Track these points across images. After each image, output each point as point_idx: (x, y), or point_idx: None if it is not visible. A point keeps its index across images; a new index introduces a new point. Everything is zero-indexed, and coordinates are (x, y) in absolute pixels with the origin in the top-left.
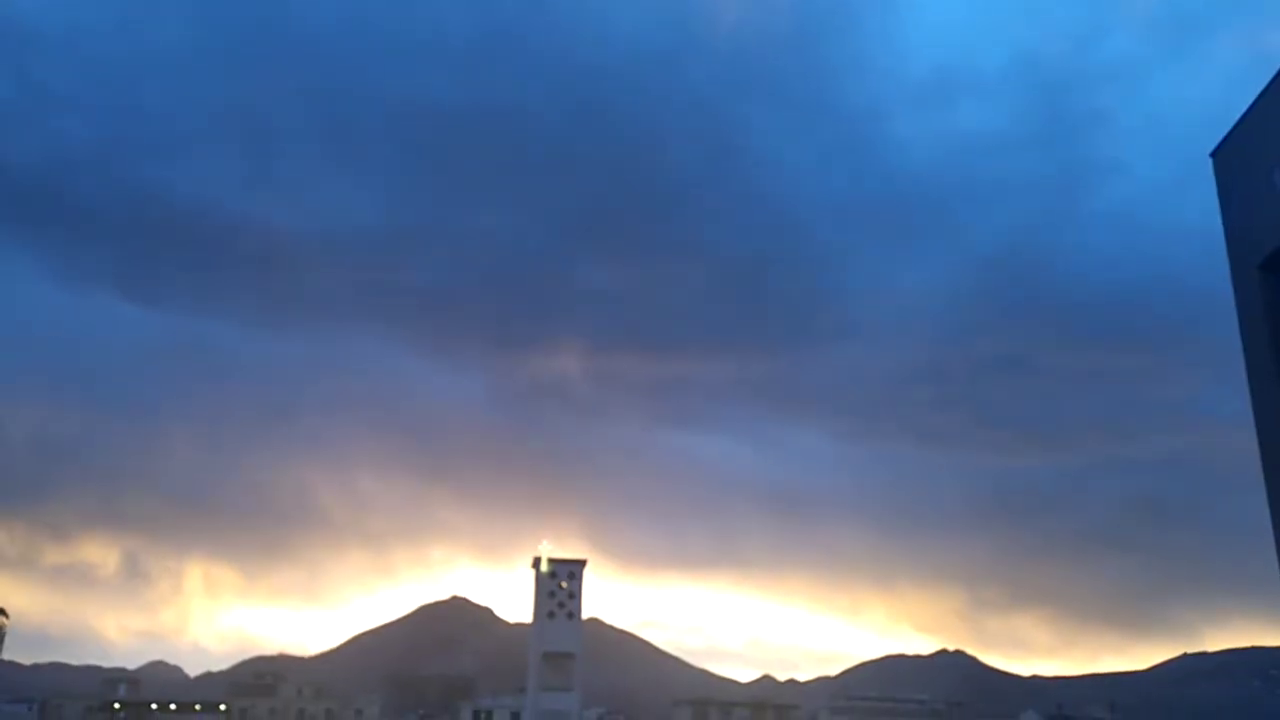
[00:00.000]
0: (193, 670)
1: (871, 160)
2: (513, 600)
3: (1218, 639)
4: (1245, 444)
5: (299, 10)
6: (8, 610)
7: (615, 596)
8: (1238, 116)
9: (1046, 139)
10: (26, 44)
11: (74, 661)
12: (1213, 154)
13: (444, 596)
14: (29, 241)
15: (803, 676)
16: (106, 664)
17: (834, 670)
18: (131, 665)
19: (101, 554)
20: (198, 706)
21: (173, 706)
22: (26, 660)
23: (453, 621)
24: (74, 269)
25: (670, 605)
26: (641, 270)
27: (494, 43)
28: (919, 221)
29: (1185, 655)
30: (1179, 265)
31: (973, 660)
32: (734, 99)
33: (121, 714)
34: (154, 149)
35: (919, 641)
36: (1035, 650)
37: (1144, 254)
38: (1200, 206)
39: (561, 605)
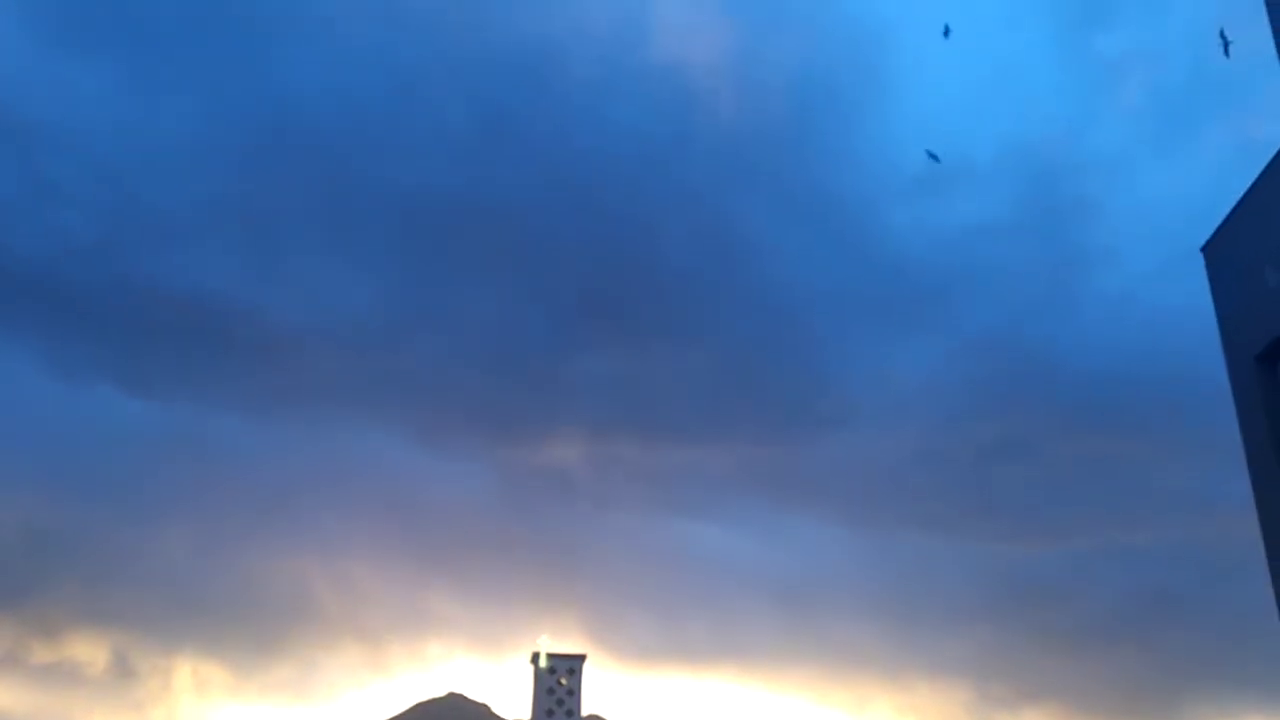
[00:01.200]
0: None
1: (867, 248)
2: (511, 696)
3: None
4: (1253, 531)
5: (299, 103)
6: None
7: (616, 692)
8: (1225, 207)
9: (1039, 227)
10: (32, 140)
11: None
12: (1203, 249)
13: (440, 693)
14: (27, 334)
15: None
16: None
17: None
18: None
19: (90, 651)
20: None
21: None
22: None
23: (449, 719)
24: (71, 361)
25: (672, 700)
26: (641, 358)
27: (494, 135)
28: (916, 307)
29: None
30: (1175, 351)
31: None
32: (730, 189)
33: None
34: (154, 241)
35: None
36: None
37: (1140, 340)
38: (1193, 294)
39: (561, 703)
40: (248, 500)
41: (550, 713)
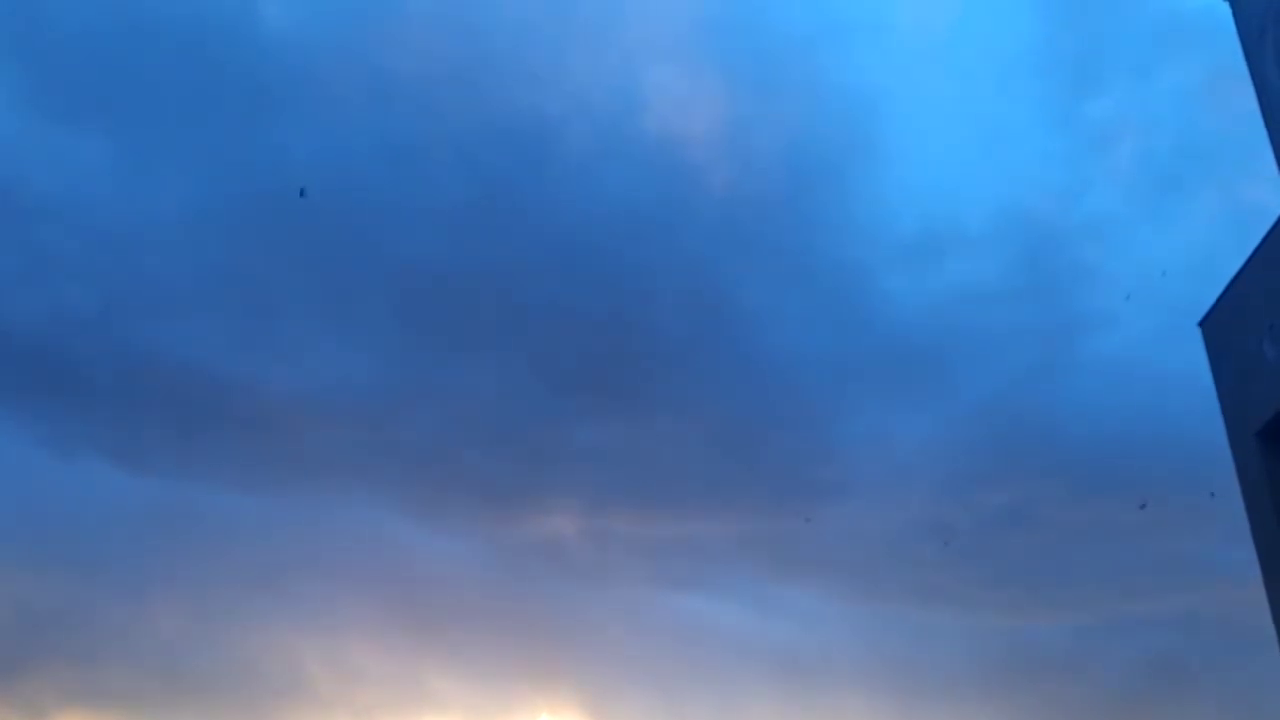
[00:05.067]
0: None
1: (863, 316)
2: None
3: None
4: (1260, 596)
5: (296, 176)
6: None
7: None
8: (1220, 273)
9: (1035, 292)
10: (30, 214)
11: None
12: (1200, 324)
13: None
14: (19, 406)
15: None
16: None
17: None
18: None
19: None
20: None
21: None
22: None
23: None
24: (63, 434)
25: None
26: (637, 428)
27: (490, 207)
28: (914, 374)
29: None
30: (1176, 416)
31: None
32: (726, 259)
33: None
34: (150, 314)
35: None
36: None
37: (1140, 405)
38: (1192, 358)
39: None
40: (241, 575)
41: None
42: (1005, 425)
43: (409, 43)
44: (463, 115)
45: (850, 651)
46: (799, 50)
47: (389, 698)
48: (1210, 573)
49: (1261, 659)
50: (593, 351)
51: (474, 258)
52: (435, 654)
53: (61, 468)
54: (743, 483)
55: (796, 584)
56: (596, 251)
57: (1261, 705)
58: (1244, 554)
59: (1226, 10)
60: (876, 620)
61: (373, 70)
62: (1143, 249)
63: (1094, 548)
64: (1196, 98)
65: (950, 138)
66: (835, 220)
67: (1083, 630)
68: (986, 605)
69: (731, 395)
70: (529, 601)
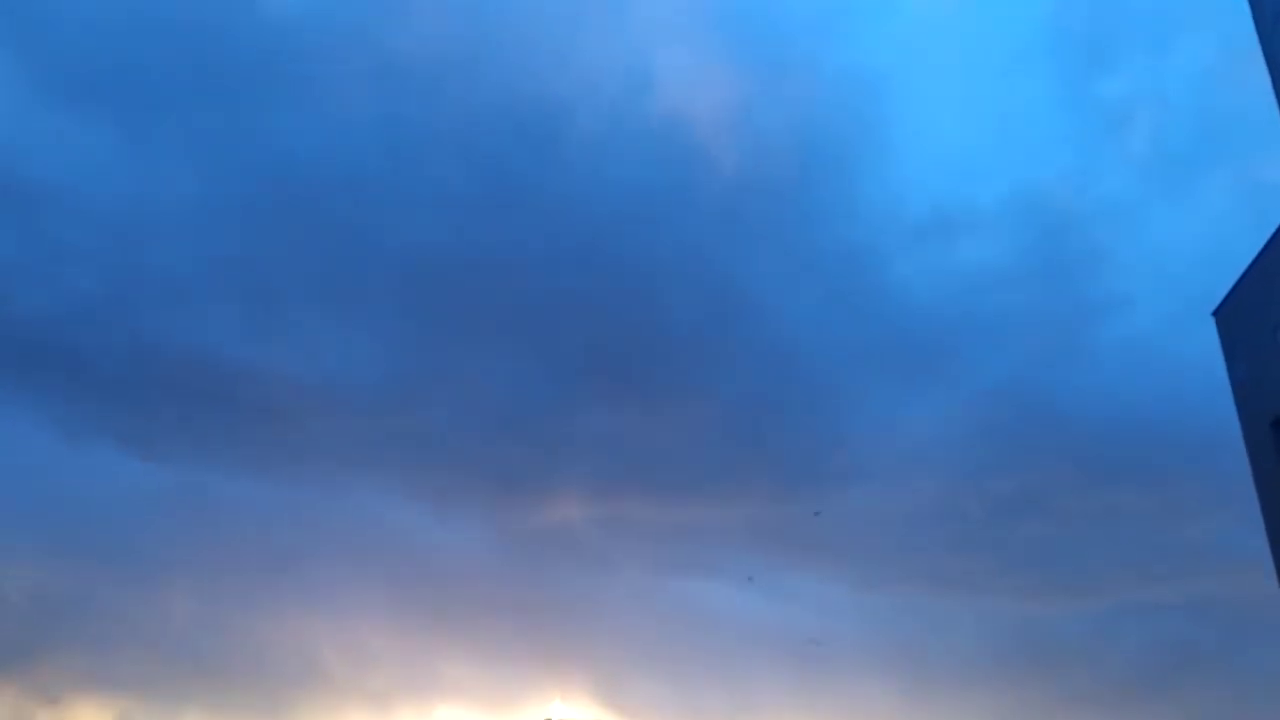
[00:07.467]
0: None
1: (874, 299)
2: None
3: None
4: (1275, 586)
5: (301, 163)
6: None
7: None
8: (1233, 254)
9: (1047, 275)
10: (38, 202)
11: None
12: (1215, 313)
13: None
14: (30, 394)
15: None
16: None
17: None
18: None
19: (94, 717)
20: None
21: None
22: None
23: None
24: (74, 422)
25: None
26: (646, 415)
27: (496, 193)
28: (925, 359)
29: None
30: (1189, 401)
31: None
32: (734, 244)
33: None
34: (158, 302)
35: None
36: None
37: (1153, 389)
38: (1206, 342)
39: None
40: (252, 562)
41: None
42: (1018, 410)
43: (415, 28)
44: (470, 100)
45: (863, 637)
46: (807, 31)
47: (401, 684)
48: (1222, 557)
49: (1275, 643)
50: (602, 338)
51: (483, 245)
52: (447, 640)
53: (71, 454)
54: (754, 469)
55: (809, 570)
56: (606, 237)
57: (1276, 689)
58: (1258, 540)
59: None
60: (890, 606)
61: (379, 56)
62: (1158, 230)
63: (1106, 532)
64: (1211, 76)
65: (960, 119)
66: (844, 204)
67: (1095, 616)
68: (999, 591)
69: (742, 381)
70: (540, 588)
